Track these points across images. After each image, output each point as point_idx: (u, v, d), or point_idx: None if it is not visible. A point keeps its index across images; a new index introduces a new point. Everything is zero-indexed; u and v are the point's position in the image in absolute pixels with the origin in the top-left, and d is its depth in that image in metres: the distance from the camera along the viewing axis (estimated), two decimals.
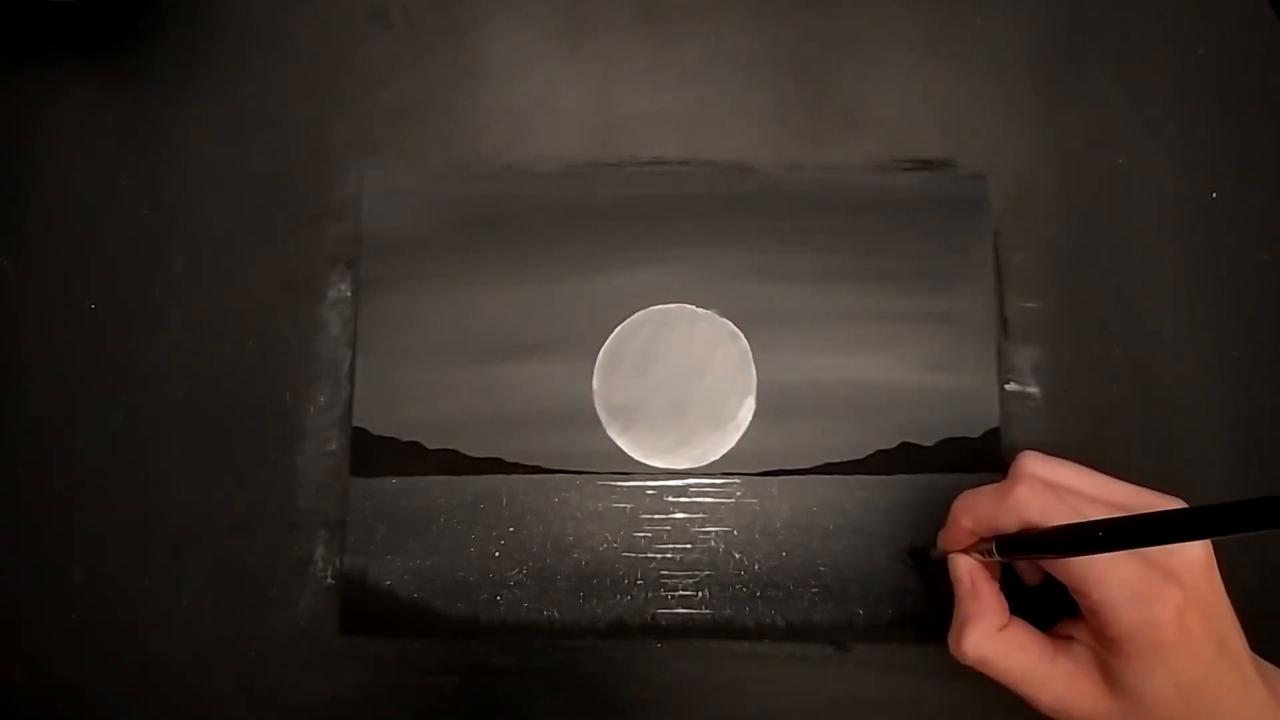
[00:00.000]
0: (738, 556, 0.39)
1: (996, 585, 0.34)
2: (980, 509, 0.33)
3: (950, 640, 0.34)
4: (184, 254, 0.41)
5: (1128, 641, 0.30)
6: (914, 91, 0.42)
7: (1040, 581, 0.36)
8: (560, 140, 0.42)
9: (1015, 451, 0.39)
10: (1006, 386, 0.40)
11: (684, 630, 0.39)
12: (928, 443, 0.39)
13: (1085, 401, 0.40)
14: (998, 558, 0.32)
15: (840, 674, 0.39)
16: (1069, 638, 0.33)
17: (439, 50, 0.43)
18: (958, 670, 0.38)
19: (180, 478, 0.40)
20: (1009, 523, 0.32)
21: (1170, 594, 0.30)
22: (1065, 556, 0.31)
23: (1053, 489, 0.32)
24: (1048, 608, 0.34)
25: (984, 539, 0.34)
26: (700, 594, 0.39)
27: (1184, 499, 0.33)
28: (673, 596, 0.39)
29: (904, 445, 0.39)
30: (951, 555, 0.35)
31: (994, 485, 0.33)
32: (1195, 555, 0.31)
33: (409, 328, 0.40)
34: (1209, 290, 0.41)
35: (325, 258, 0.41)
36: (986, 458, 0.39)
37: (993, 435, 0.39)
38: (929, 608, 0.38)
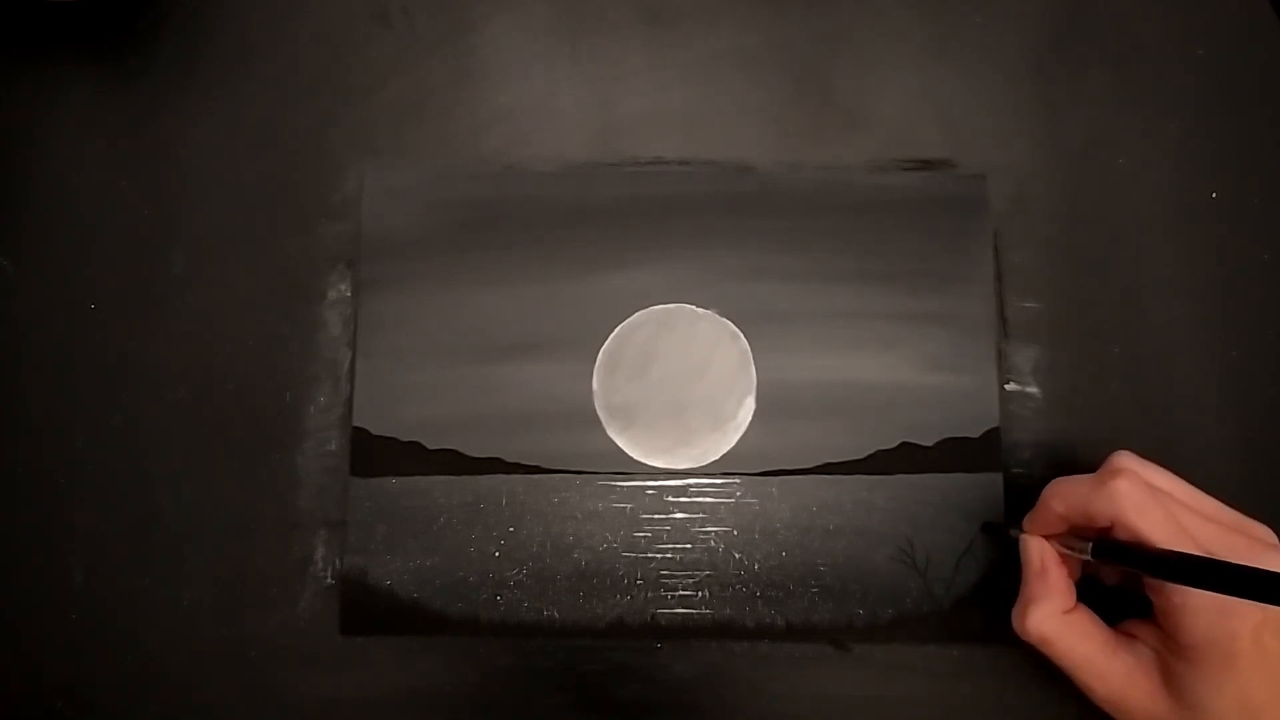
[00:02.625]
0: (738, 556, 0.39)
1: (1065, 571, 0.34)
2: (1075, 496, 0.33)
3: (1014, 616, 0.34)
4: (184, 254, 0.41)
5: (1200, 650, 0.30)
6: (914, 91, 0.42)
7: (1117, 583, 0.36)
8: (560, 140, 0.42)
9: (1015, 451, 0.39)
10: (1006, 386, 0.40)
11: (684, 630, 0.39)
12: (928, 443, 0.39)
13: (1085, 401, 0.40)
14: (1089, 557, 0.32)
15: (840, 674, 0.39)
16: (1133, 636, 0.33)
17: (439, 50, 0.43)
18: (957, 670, 0.38)
19: (180, 478, 0.40)
20: (1103, 512, 0.32)
21: (1252, 609, 0.30)
22: (1170, 580, 0.30)
23: (1149, 487, 0.32)
24: (1113, 607, 0.35)
25: (1074, 534, 0.34)
26: (700, 594, 0.39)
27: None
28: (673, 596, 0.39)
29: (904, 445, 0.39)
30: (1024, 536, 0.35)
31: (1091, 475, 0.33)
32: None
33: (409, 328, 0.40)
34: (1209, 290, 0.41)
35: (325, 258, 0.41)
36: (986, 458, 0.39)
37: (993, 435, 0.39)
38: (933, 609, 0.38)
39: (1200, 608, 0.30)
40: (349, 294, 0.41)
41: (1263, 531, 0.33)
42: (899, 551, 0.39)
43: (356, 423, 0.40)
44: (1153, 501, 0.31)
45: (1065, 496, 0.33)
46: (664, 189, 0.41)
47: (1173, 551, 0.30)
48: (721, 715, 0.39)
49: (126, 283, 0.41)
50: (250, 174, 0.42)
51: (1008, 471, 0.39)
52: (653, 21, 0.43)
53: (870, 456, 0.39)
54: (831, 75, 0.42)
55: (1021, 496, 0.39)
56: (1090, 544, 0.32)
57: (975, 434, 0.39)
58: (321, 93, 0.42)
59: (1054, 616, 0.33)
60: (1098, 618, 0.34)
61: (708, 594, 0.39)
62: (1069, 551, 0.34)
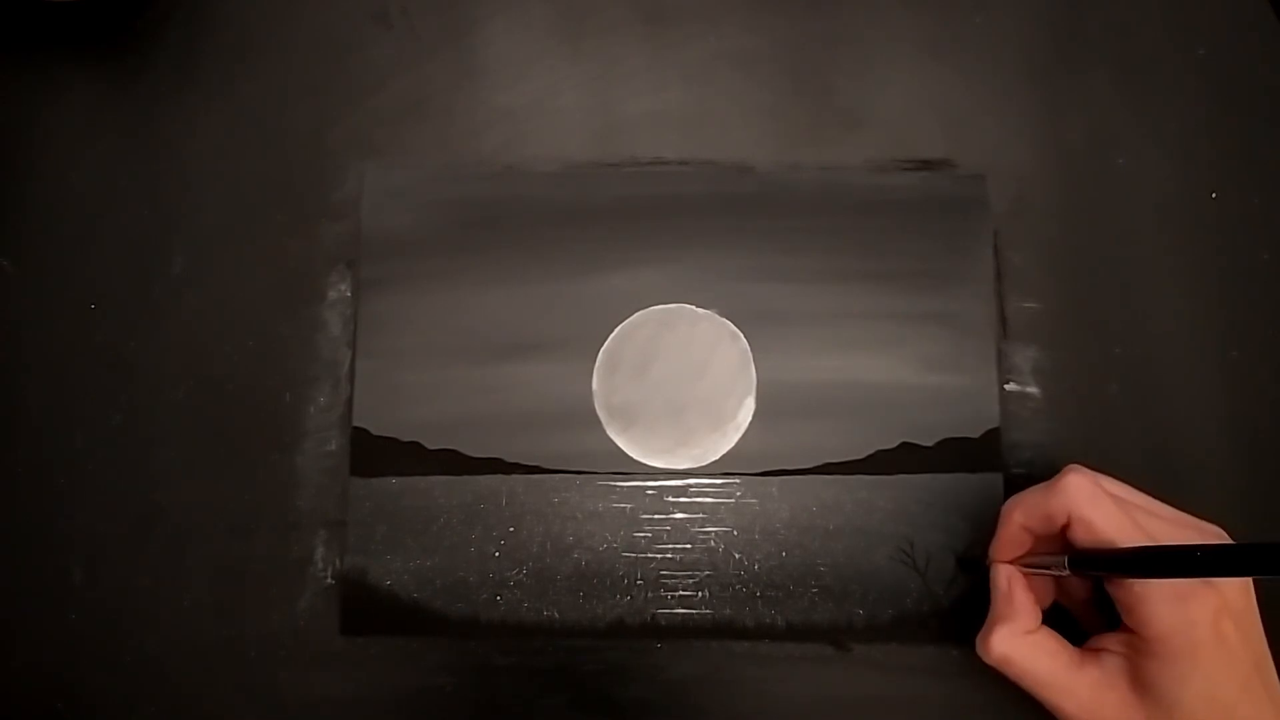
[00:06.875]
0: (738, 556, 0.39)
1: (1031, 595, 0.35)
2: (1031, 503, 0.34)
3: (978, 640, 0.35)
4: (184, 254, 0.41)
5: (1165, 641, 0.31)
6: (914, 91, 0.42)
7: (1085, 597, 0.36)
8: (560, 140, 0.42)
9: (1015, 451, 0.40)
10: (1006, 386, 0.40)
11: (684, 630, 0.39)
12: (928, 443, 0.39)
13: (1085, 401, 0.40)
14: (1066, 571, 0.33)
15: (840, 674, 0.39)
16: (1099, 650, 0.33)
17: (439, 50, 0.43)
18: (958, 670, 0.38)
19: (180, 478, 0.40)
20: (1058, 508, 0.32)
21: (1209, 596, 0.30)
22: (1152, 578, 0.31)
23: (1099, 483, 0.33)
24: (1082, 635, 0.35)
25: (1045, 551, 0.34)
26: (700, 594, 0.39)
27: (1221, 528, 0.33)
28: (673, 596, 0.39)
29: (904, 445, 0.39)
30: (995, 563, 0.35)
31: (1041, 484, 0.34)
32: None
33: (409, 328, 0.40)
34: (1209, 290, 0.41)
35: (325, 258, 0.41)
36: (986, 458, 0.39)
37: (993, 435, 0.39)
38: (933, 609, 0.38)
39: (1160, 597, 0.31)
40: (349, 294, 0.41)
41: (1214, 530, 0.33)
42: (899, 551, 0.39)
43: (356, 423, 0.40)
44: (1104, 494, 0.32)
45: (1023, 506, 0.34)
46: (664, 189, 0.41)
47: (1135, 547, 0.31)
48: (721, 715, 0.39)
49: (126, 283, 0.41)
50: (250, 174, 0.42)
51: (1008, 472, 0.39)
52: (653, 21, 0.43)
53: (870, 456, 0.39)
54: (831, 75, 0.42)
55: None
56: (1065, 558, 0.33)
57: (975, 434, 0.39)
58: (321, 93, 0.42)
59: (1015, 636, 0.33)
60: (1061, 638, 0.34)
61: (708, 594, 0.39)
62: (1045, 571, 0.34)
